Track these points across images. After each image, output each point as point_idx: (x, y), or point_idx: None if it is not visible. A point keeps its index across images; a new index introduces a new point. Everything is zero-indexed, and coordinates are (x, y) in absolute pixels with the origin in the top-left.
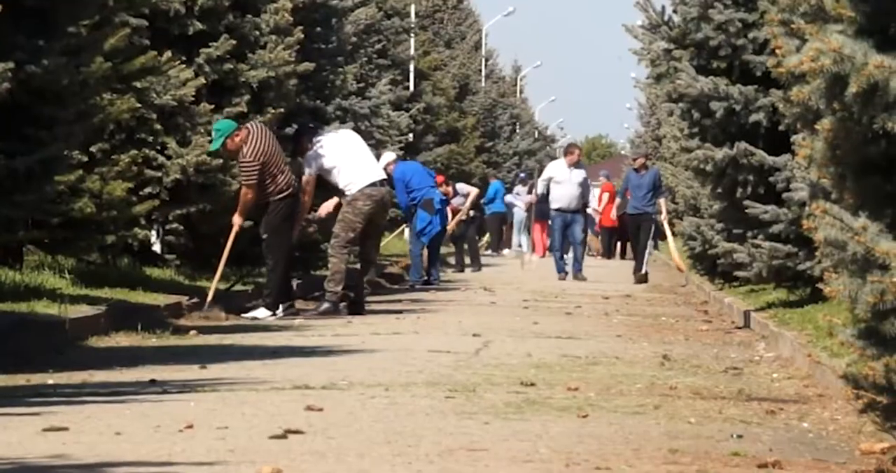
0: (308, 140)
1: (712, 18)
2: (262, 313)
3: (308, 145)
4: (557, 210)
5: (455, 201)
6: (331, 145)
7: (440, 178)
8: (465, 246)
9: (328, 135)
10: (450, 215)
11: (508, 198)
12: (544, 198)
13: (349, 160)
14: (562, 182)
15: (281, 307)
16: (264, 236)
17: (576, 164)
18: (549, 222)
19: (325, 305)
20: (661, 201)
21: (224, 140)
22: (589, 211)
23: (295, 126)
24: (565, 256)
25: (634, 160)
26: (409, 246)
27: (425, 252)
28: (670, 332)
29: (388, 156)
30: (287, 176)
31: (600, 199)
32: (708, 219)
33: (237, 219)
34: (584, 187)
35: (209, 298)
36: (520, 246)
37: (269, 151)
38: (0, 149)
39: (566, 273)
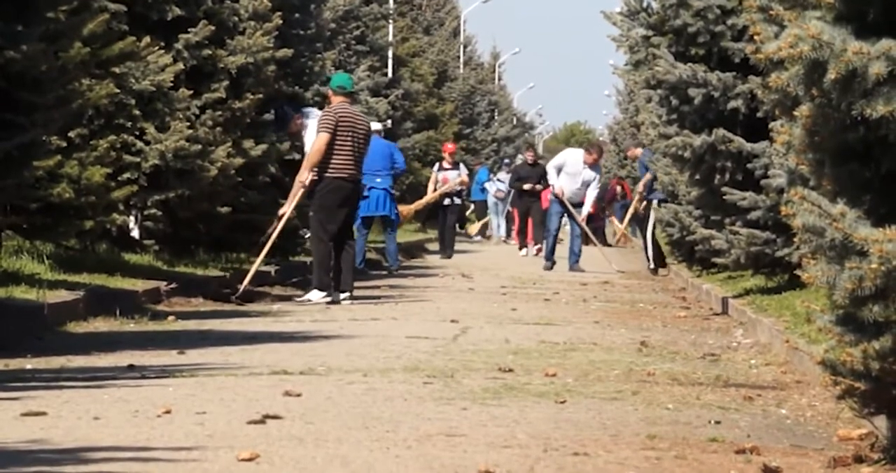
0: (300, 118)
1: (691, 5)
2: (315, 295)
3: (300, 123)
4: (556, 197)
5: (450, 174)
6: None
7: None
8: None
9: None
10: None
11: (487, 184)
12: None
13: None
14: (572, 174)
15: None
16: (312, 214)
17: (593, 165)
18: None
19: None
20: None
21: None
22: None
23: (277, 110)
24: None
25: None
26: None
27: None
28: (648, 319)
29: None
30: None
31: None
32: (686, 205)
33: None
34: (587, 188)
35: (246, 282)
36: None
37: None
38: None
39: (554, 262)
